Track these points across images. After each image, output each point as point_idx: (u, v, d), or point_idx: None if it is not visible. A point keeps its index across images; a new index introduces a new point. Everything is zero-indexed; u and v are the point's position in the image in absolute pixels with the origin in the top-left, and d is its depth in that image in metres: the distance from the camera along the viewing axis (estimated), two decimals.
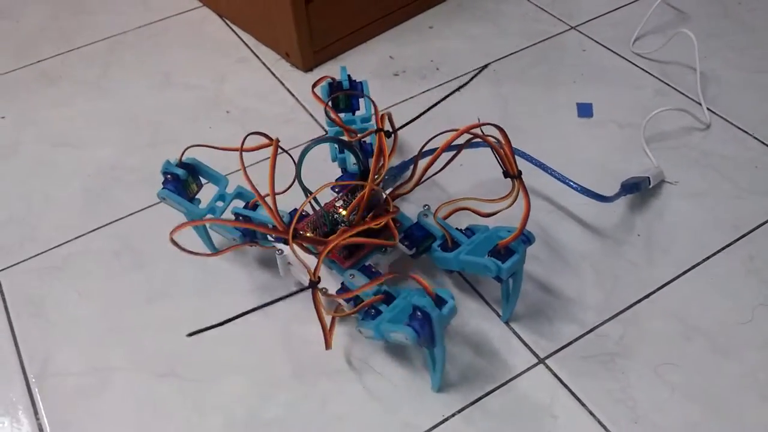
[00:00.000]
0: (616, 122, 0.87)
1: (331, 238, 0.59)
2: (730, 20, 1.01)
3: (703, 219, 0.75)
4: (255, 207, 0.67)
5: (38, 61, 1.02)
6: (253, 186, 0.60)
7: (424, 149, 0.66)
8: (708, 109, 0.87)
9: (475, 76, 0.71)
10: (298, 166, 0.60)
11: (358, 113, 0.75)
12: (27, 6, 1.13)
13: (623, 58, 0.96)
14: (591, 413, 0.61)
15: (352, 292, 0.60)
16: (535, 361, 0.64)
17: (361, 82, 0.75)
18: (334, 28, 0.97)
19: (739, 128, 0.85)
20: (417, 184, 0.66)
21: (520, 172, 0.61)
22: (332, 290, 0.63)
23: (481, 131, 0.61)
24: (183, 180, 0.67)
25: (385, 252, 0.66)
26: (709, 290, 0.69)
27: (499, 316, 0.68)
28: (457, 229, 0.65)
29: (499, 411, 0.61)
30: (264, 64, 0.99)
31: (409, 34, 1.02)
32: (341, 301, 0.62)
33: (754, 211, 0.75)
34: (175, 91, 0.96)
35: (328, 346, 0.60)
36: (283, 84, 0.96)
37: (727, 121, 0.86)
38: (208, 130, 0.89)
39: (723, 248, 0.72)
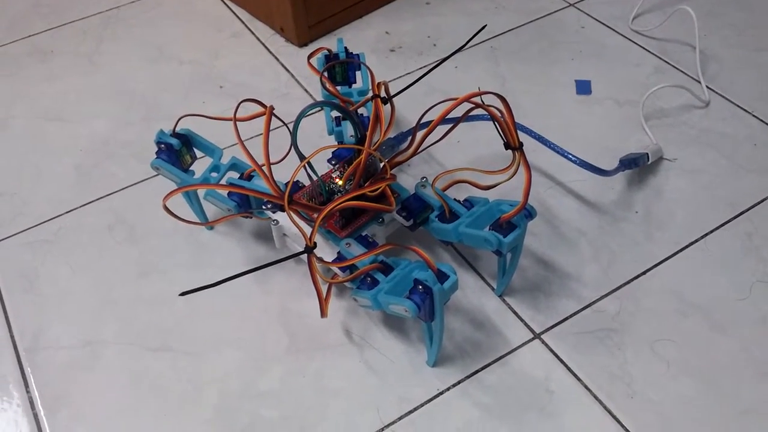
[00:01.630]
0: (614, 99, 0.86)
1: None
2: None
3: (702, 196, 0.75)
4: (250, 178, 0.66)
5: (30, 36, 1.01)
6: (248, 153, 0.59)
7: (423, 121, 0.65)
8: (707, 87, 0.86)
9: (473, 37, 0.69)
10: (294, 129, 0.59)
11: (354, 86, 0.74)
12: None
13: (622, 35, 0.95)
14: (587, 388, 0.60)
15: (348, 260, 0.60)
16: (531, 336, 0.64)
17: (357, 55, 0.74)
18: (329, 2, 0.96)
19: (738, 106, 0.84)
20: (415, 152, 0.65)
21: (521, 144, 0.60)
22: (328, 260, 0.63)
23: (482, 100, 0.60)
24: (177, 150, 0.66)
25: (382, 223, 0.65)
26: (707, 267, 0.69)
27: (494, 290, 0.67)
28: (455, 200, 0.65)
29: (495, 386, 0.61)
30: (258, 39, 0.98)
31: (406, 10, 1.01)
32: (336, 269, 0.62)
33: (752, 189, 0.75)
34: (168, 65, 0.95)
35: (323, 314, 0.60)
36: (277, 59, 0.95)
37: (726, 99, 0.85)
38: (202, 105, 0.88)
39: (721, 225, 0.72)
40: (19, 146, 0.84)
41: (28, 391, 0.62)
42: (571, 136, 0.81)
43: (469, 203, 0.65)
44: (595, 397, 0.60)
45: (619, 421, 0.58)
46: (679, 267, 0.69)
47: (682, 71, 0.89)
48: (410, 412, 0.59)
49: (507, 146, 0.61)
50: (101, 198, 0.78)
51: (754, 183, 0.76)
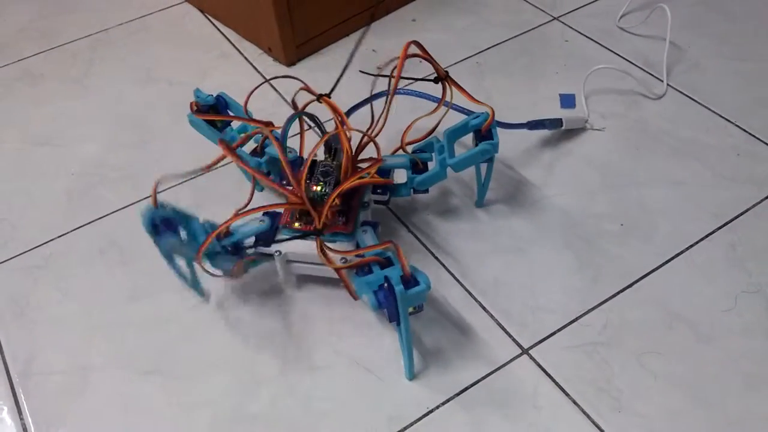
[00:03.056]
0: (599, 113, 0.87)
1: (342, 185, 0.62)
2: (709, 8, 1.01)
3: (685, 207, 0.75)
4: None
5: (20, 60, 1.02)
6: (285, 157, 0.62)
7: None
8: (690, 97, 0.87)
9: (356, 48, 0.73)
10: (283, 136, 0.63)
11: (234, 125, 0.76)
12: (8, 5, 1.12)
13: (606, 48, 0.96)
14: (575, 403, 0.61)
15: (362, 249, 0.62)
16: (519, 351, 0.65)
17: (220, 95, 0.75)
18: (316, 21, 0.97)
19: (721, 116, 0.85)
20: (383, 125, 0.69)
21: (447, 73, 0.69)
22: (349, 258, 0.64)
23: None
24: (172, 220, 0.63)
25: (367, 206, 0.69)
26: (692, 279, 0.69)
27: (483, 308, 0.68)
28: (411, 154, 0.71)
29: (483, 402, 0.61)
30: (246, 59, 0.99)
31: (392, 28, 1.02)
32: (340, 256, 0.63)
33: (735, 199, 0.76)
34: (157, 87, 0.95)
35: (355, 297, 0.61)
36: (266, 79, 0.95)
37: (710, 109, 0.86)
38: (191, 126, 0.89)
39: (705, 237, 0.73)
40: (9, 171, 0.85)
41: (21, 418, 0.63)
42: (555, 150, 0.82)
43: (421, 150, 0.72)
44: (584, 412, 0.60)
45: None
46: (664, 279, 0.69)
47: (669, 85, 0.90)
48: (400, 431, 0.60)
49: (437, 79, 0.68)
50: (92, 222, 0.78)
51: (738, 193, 0.76)
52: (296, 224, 0.65)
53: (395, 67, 0.66)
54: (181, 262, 0.65)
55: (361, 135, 0.69)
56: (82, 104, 0.94)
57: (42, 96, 0.95)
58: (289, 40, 0.95)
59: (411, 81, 0.73)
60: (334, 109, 0.66)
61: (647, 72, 0.92)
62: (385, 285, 0.57)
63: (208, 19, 1.06)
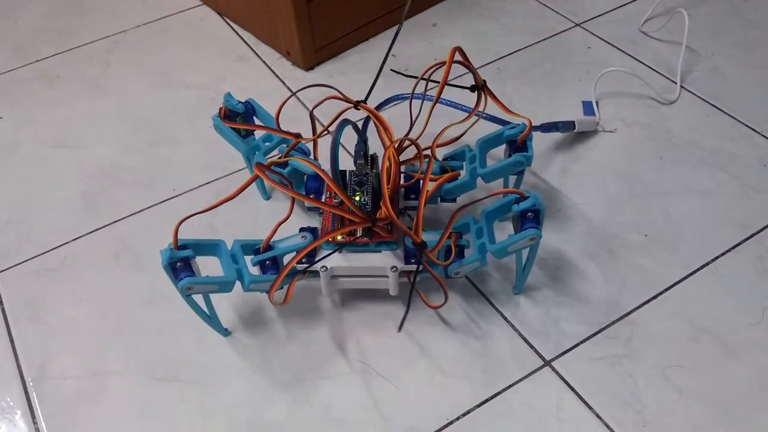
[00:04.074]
0: (622, 120, 0.85)
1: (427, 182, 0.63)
2: (732, 15, 1.00)
3: (711, 218, 0.74)
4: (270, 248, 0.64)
5: (37, 61, 1.01)
6: (334, 184, 0.60)
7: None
8: (715, 105, 0.86)
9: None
10: (335, 154, 0.60)
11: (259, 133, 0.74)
12: (25, 6, 1.12)
13: (629, 55, 0.95)
14: (598, 416, 0.59)
15: (438, 244, 0.61)
16: (542, 363, 0.63)
17: (248, 102, 0.73)
18: (335, 25, 0.96)
19: (748, 126, 0.84)
20: (425, 124, 0.68)
21: (484, 81, 0.68)
22: (400, 267, 0.63)
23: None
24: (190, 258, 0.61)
25: (403, 214, 0.70)
26: (718, 291, 0.68)
27: (505, 318, 0.67)
28: (441, 161, 0.70)
29: (505, 414, 0.60)
30: (264, 63, 0.98)
31: (412, 32, 1.01)
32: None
33: (763, 211, 0.74)
34: (174, 90, 0.95)
35: (442, 304, 0.64)
36: (283, 83, 0.95)
37: (736, 119, 0.85)
38: (208, 129, 0.88)
39: (732, 248, 0.71)
40: (25, 173, 0.85)
41: (35, 422, 0.62)
42: (579, 158, 0.81)
43: (452, 158, 0.71)
44: (607, 426, 0.59)
45: None
46: (689, 291, 0.68)
47: (691, 92, 0.89)
48: None
49: (474, 88, 0.68)
50: (107, 225, 0.78)
51: (765, 204, 0.75)
52: (339, 237, 0.63)
53: (427, 71, 0.67)
54: (199, 300, 0.63)
55: (400, 140, 0.67)
56: (98, 106, 0.93)
57: (58, 97, 0.95)
58: (308, 44, 0.94)
59: (434, 84, 0.71)
60: (375, 116, 0.64)
61: (669, 79, 0.90)
62: (530, 215, 0.59)
63: (226, 22, 1.06)
